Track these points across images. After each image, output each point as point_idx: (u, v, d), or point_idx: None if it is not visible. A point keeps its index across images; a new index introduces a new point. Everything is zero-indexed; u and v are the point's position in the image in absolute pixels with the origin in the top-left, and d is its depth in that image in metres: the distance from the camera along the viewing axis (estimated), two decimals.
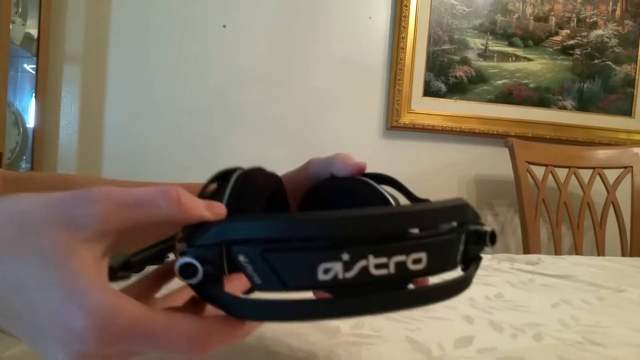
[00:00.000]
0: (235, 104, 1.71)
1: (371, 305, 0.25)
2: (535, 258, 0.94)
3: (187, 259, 0.25)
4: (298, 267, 0.24)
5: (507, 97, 1.87)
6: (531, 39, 1.89)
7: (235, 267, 0.26)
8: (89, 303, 0.22)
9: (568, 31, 1.92)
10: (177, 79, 1.67)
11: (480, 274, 0.80)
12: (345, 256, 0.24)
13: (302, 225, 0.24)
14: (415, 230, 0.26)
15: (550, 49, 1.91)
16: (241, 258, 0.25)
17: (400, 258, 0.25)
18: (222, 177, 0.39)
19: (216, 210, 0.27)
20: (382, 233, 0.25)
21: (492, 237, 0.30)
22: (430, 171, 1.87)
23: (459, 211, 0.28)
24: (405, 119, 1.78)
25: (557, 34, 1.91)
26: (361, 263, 0.24)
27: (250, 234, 0.25)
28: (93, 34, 1.63)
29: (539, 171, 1.68)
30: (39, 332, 0.23)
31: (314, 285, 0.24)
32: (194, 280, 0.26)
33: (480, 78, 1.85)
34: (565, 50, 1.92)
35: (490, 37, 1.86)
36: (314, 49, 1.75)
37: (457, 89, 1.83)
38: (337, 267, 0.24)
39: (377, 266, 0.24)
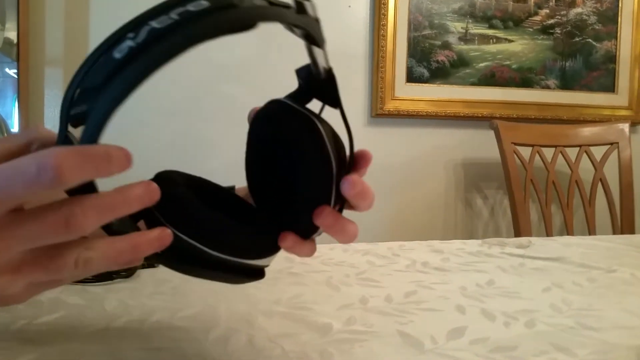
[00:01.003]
0: (218, 99, 1.69)
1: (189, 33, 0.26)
2: (526, 241, 0.94)
3: None
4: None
5: (490, 79, 1.87)
6: (511, 20, 1.89)
7: None
8: None
9: (547, 10, 1.92)
10: (158, 77, 1.65)
11: (471, 261, 0.80)
12: (131, 34, 0.26)
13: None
14: None
15: (531, 29, 1.91)
16: None
17: (180, 9, 0.26)
18: None
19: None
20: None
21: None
22: (417, 157, 1.87)
23: None
24: (390, 105, 1.78)
25: (536, 14, 1.91)
26: (145, 28, 0.26)
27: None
28: (73, 36, 1.60)
29: (525, 152, 1.69)
30: None
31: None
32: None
33: (462, 62, 1.85)
34: (546, 30, 1.92)
35: (470, 20, 1.85)
36: (294, 39, 1.73)
37: (439, 74, 1.82)
38: (126, 44, 0.26)
39: (160, 22, 0.26)
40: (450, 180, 1.91)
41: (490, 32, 1.87)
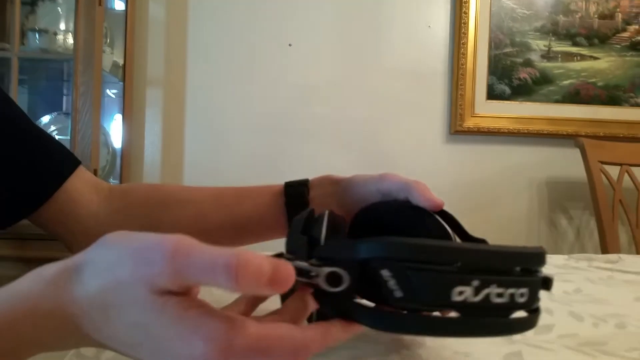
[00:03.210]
0: (302, 118, 1.78)
1: (489, 328, 0.29)
2: (615, 257, 0.93)
3: (334, 269, 0.28)
4: (437, 287, 0.28)
5: (574, 96, 1.84)
6: (596, 37, 1.85)
7: (368, 282, 0.29)
8: (205, 330, 0.24)
9: (637, 26, 1.86)
10: (248, 96, 1.76)
11: (557, 272, 0.80)
12: (476, 282, 0.28)
13: (445, 251, 0.28)
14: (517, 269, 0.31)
15: (618, 46, 1.86)
16: (384, 272, 0.28)
17: (513, 290, 0.29)
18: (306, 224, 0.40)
19: (283, 274, 0.26)
20: (504, 267, 0.29)
21: (551, 283, 0.35)
22: (498, 175, 1.85)
23: (544, 257, 0.32)
24: (469, 122, 1.78)
25: (624, 30, 1.86)
26: (486, 290, 0.28)
27: (400, 253, 0.28)
28: (172, 59, 1.75)
29: (613, 171, 1.64)
30: (163, 356, 0.25)
31: (446, 304, 0.28)
32: (337, 289, 0.28)
33: (545, 79, 1.83)
34: (635, 46, 1.86)
35: (553, 38, 1.83)
36: (376, 60, 1.80)
37: (521, 91, 1.81)
38: (468, 291, 0.28)
39: (497, 295, 0.28)
40: (533, 200, 1.88)
41: (574, 49, 1.84)
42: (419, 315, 0.29)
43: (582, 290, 0.67)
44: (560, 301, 0.61)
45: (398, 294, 0.28)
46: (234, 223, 0.57)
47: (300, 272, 0.28)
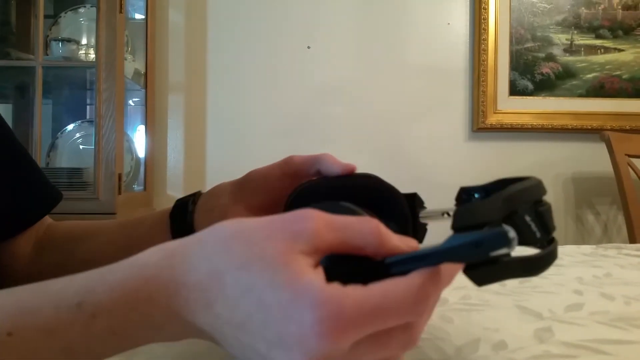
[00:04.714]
0: (324, 119, 1.78)
1: (554, 254, 0.30)
2: None
3: (506, 229, 0.26)
4: (551, 220, 0.31)
5: (599, 90, 1.80)
6: (620, 29, 1.82)
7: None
8: (315, 297, 0.23)
9: None
10: (268, 100, 1.77)
11: (586, 260, 0.78)
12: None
13: (540, 188, 0.31)
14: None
15: None
16: (527, 218, 0.29)
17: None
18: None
19: (410, 243, 0.28)
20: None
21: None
22: (523, 172, 1.80)
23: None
24: (492, 119, 1.76)
25: None
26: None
27: (531, 196, 0.30)
28: (192, 65, 1.77)
29: None
30: (271, 335, 0.24)
31: (551, 234, 0.30)
32: (509, 250, 0.27)
33: (568, 73, 1.80)
34: None
35: (575, 32, 1.81)
36: (395, 59, 1.79)
37: (544, 86, 1.79)
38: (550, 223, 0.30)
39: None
40: (559, 196, 1.84)
41: (598, 42, 1.81)
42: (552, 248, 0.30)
43: (613, 274, 0.66)
44: (590, 284, 0.59)
45: (538, 234, 0.29)
46: (136, 247, 0.56)
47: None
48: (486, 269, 0.27)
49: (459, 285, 0.59)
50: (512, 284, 0.60)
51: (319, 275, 0.24)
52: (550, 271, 0.69)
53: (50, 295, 0.26)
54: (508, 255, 0.27)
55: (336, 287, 0.24)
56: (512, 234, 0.25)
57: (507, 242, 0.25)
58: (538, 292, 0.55)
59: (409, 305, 0.24)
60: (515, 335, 0.40)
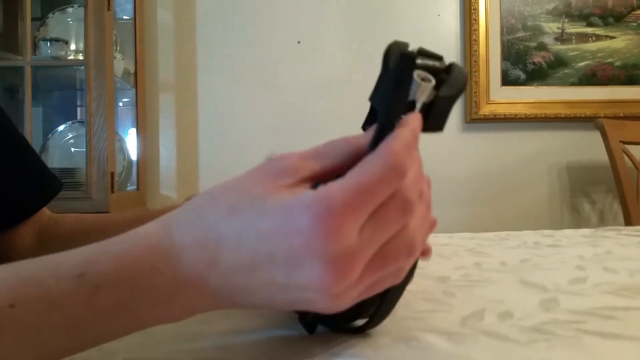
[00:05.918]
0: (316, 115, 1.76)
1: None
2: None
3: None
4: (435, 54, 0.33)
5: (591, 78, 1.80)
6: (611, 16, 1.82)
7: None
8: (304, 202, 0.24)
9: None
10: (260, 97, 1.76)
11: (585, 241, 0.77)
12: None
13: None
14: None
15: (635, 24, 1.82)
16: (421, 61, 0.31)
17: None
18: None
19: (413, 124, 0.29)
20: None
21: None
22: (517, 162, 1.82)
23: None
24: (485, 110, 1.76)
25: None
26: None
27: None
28: (182, 64, 1.75)
29: (636, 151, 1.60)
30: (282, 261, 0.24)
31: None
32: (427, 84, 0.30)
33: (559, 62, 1.80)
34: None
35: (566, 20, 1.81)
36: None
37: (536, 75, 1.78)
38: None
39: None
40: (554, 186, 1.84)
41: (589, 30, 1.81)
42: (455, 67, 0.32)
43: (614, 252, 0.65)
44: (592, 260, 0.59)
45: (437, 64, 0.31)
46: None
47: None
48: (431, 112, 0.30)
49: (459, 265, 0.58)
50: (512, 263, 0.59)
51: (304, 189, 0.26)
52: (550, 250, 0.68)
53: (51, 268, 0.26)
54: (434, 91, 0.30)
55: (319, 188, 0.24)
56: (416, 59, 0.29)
57: (412, 63, 0.28)
58: (539, 270, 0.54)
59: (387, 170, 0.25)
60: (520, 306, 0.39)
